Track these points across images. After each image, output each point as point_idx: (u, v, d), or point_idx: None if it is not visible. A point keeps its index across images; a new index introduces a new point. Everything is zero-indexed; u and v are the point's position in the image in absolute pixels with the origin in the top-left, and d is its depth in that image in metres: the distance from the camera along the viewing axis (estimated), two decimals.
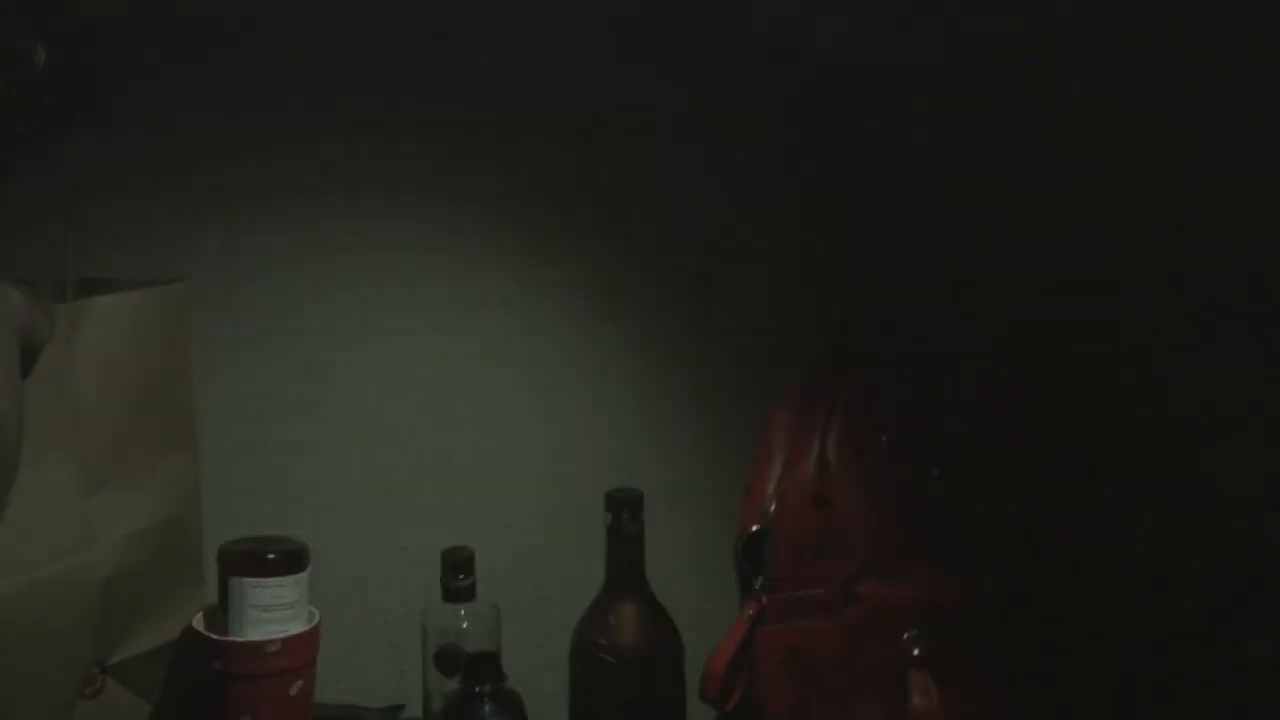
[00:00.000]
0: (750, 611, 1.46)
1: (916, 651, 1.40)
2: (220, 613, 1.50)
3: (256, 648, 1.48)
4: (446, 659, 1.53)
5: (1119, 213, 1.64)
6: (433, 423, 1.80)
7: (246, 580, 1.48)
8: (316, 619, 1.52)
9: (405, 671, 1.80)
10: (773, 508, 1.48)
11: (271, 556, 1.50)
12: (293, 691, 1.50)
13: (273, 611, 1.49)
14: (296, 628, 1.50)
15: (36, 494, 1.40)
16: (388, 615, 1.81)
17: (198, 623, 1.51)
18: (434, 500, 1.80)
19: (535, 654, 1.63)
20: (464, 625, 1.57)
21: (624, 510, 1.55)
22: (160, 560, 1.56)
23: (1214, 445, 1.61)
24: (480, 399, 1.80)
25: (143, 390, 1.54)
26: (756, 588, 1.47)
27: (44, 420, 1.42)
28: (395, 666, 1.83)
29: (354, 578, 1.78)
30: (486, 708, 1.39)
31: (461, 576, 1.55)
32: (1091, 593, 1.43)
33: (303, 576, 1.51)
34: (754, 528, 1.49)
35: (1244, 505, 1.61)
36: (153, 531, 1.54)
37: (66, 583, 1.44)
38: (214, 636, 1.49)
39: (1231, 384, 1.61)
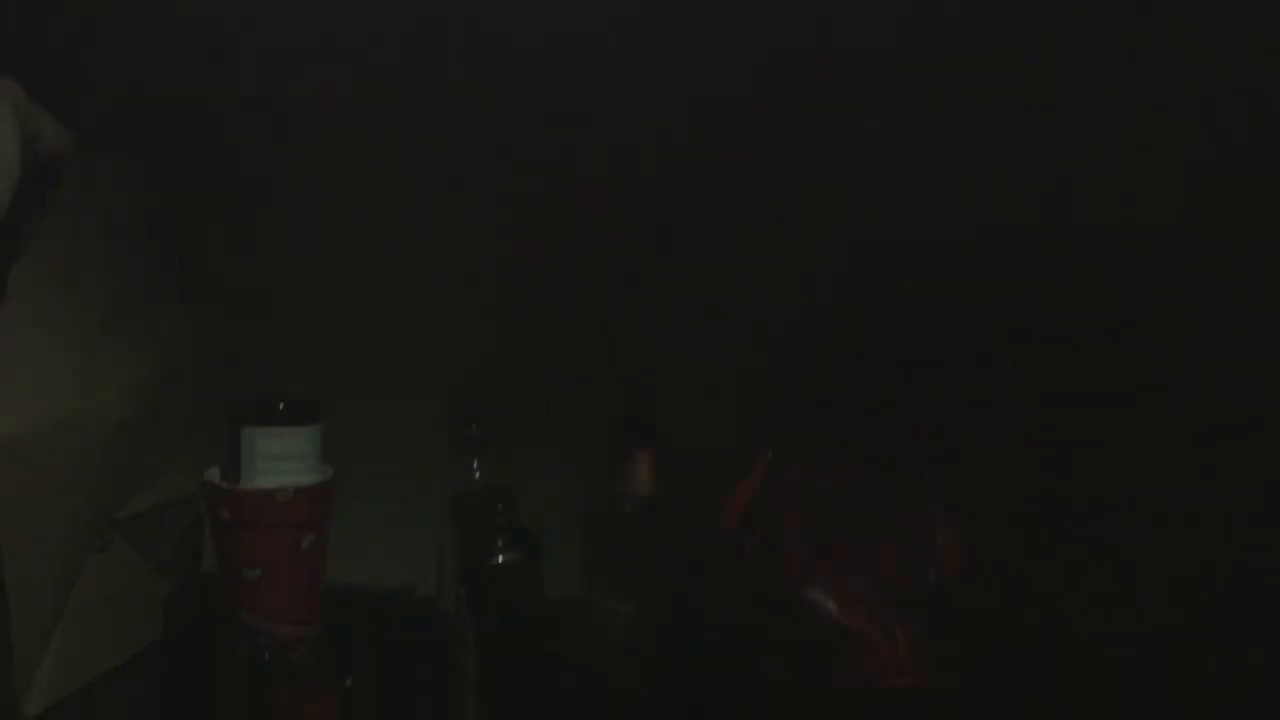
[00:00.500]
0: (768, 454, 1.43)
1: (939, 488, 1.36)
2: (231, 465, 1.47)
3: (267, 496, 1.44)
4: (460, 508, 1.47)
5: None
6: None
7: (257, 430, 1.44)
8: (330, 474, 1.46)
9: (416, 555, 1.77)
10: None
11: (282, 406, 1.47)
12: (304, 545, 1.47)
13: (284, 462, 1.47)
14: (309, 481, 1.45)
15: (51, 328, 1.41)
16: (400, 489, 1.78)
17: (210, 475, 1.47)
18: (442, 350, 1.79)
19: (551, 509, 1.58)
20: (476, 476, 1.52)
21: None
22: (165, 412, 1.56)
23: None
24: None
25: (148, 242, 1.55)
26: (770, 432, 1.44)
27: (57, 256, 1.42)
28: (406, 547, 1.79)
29: (365, 449, 1.72)
30: (501, 542, 1.33)
31: (474, 427, 1.50)
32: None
33: (315, 430, 1.48)
34: None
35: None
36: (157, 381, 1.55)
37: (79, 424, 1.45)
38: (224, 485, 1.44)
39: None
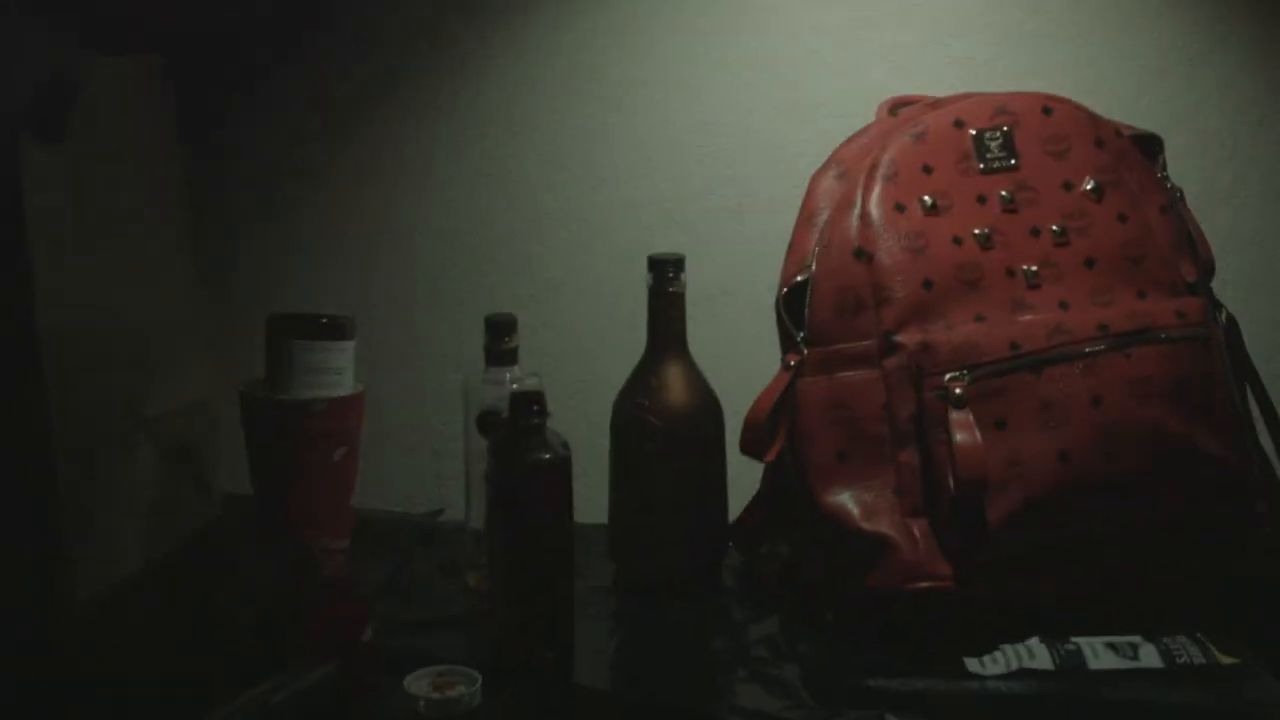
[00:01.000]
0: (791, 363, 1.45)
1: (959, 391, 1.38)
2: (268, 377, 1.50)
3: (301, 406, 1.47)
4: (489, 422, 1.51)
5: None
6: None
7: (296, 342, 1.47)
8: (362, 389, 1.51)
9: (445, 478, 1.81)
10: (814, 262, 1.46)
11: (323, 320, 1.50)
12: (336, 457, 1.49)
13: (319, 375, 1.48)
14: (343, 393, 1.49)
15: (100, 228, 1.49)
16: (427, 414, 1.83)
17: (246, 387, 1.51)
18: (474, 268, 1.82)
19: (578, 421, 1.62)
20: (506, 391, 1.55)
21: (666, 270, 1.53)
22: (196, 317, 1.64)
23: None
24: None
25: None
26: (797, 340, 1.45)
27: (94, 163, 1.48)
28: (435, 473, 1.84)
29: (394, 373, 1.79)
30: (531, 441, 1.37)
31: (505, 340, 1.53)
32: None
33: (349, 345, 1.50)
34: (797, 278, 1.47)
35: None
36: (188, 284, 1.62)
37: (121, 318, 1.52)
38: (259, 395, 1.48)
39: None
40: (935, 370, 1.40)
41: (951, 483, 1.37)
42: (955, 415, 1.38)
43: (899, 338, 1.42)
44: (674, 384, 1.55)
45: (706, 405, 1.56)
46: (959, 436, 1.37)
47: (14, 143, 1.35)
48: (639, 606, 1.56)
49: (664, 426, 1.54)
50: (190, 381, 1.66)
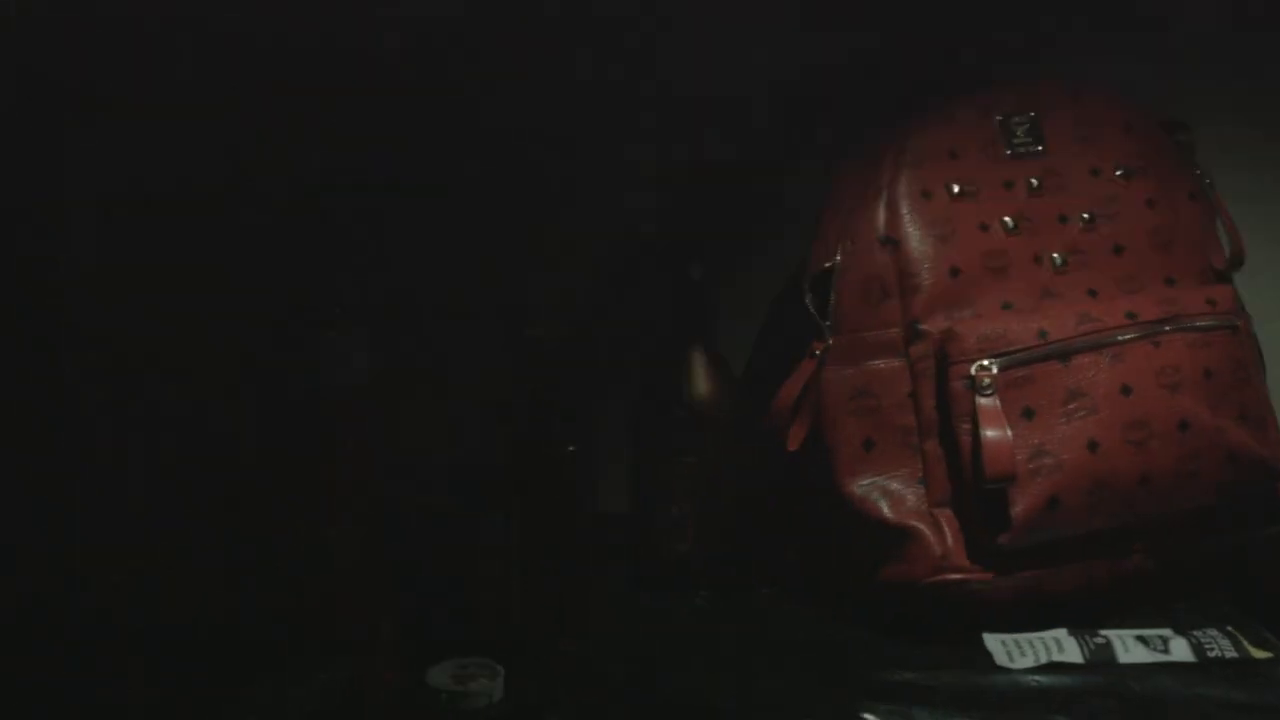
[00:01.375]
0: (816, 351, 1.43)
1: (986, 380, 1.37)
2: None
3: None
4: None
5: None
6: None
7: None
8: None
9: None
10: (840, 250, 1.44)
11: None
12: None
13: None
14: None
15: None
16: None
17: None
18: None
19: (600, 409, 1.60)
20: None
21: (690, 255, 1.52)
22: None
23: None
24: None
25: None
26: (823, 327, 1.44)
27: None
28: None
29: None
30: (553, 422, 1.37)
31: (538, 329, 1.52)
32: None
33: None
34: (824, 265, 1.45)
35: None
36: None
37: None
38: None
39: None
40: (962, 359, 1.38)
41: (977, 474, 1.36)
42: (983, 404, 1.36)
43: (925, 326, 1.41)
44: (698, 371, 1.53)
45: (731, 393, 1.54)
46: (986, 427, 1.35)
47: None
48: (659, 597, 1.54)
49: (688, 415, 1.52)
50: None
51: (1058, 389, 1.38)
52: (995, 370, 1.37)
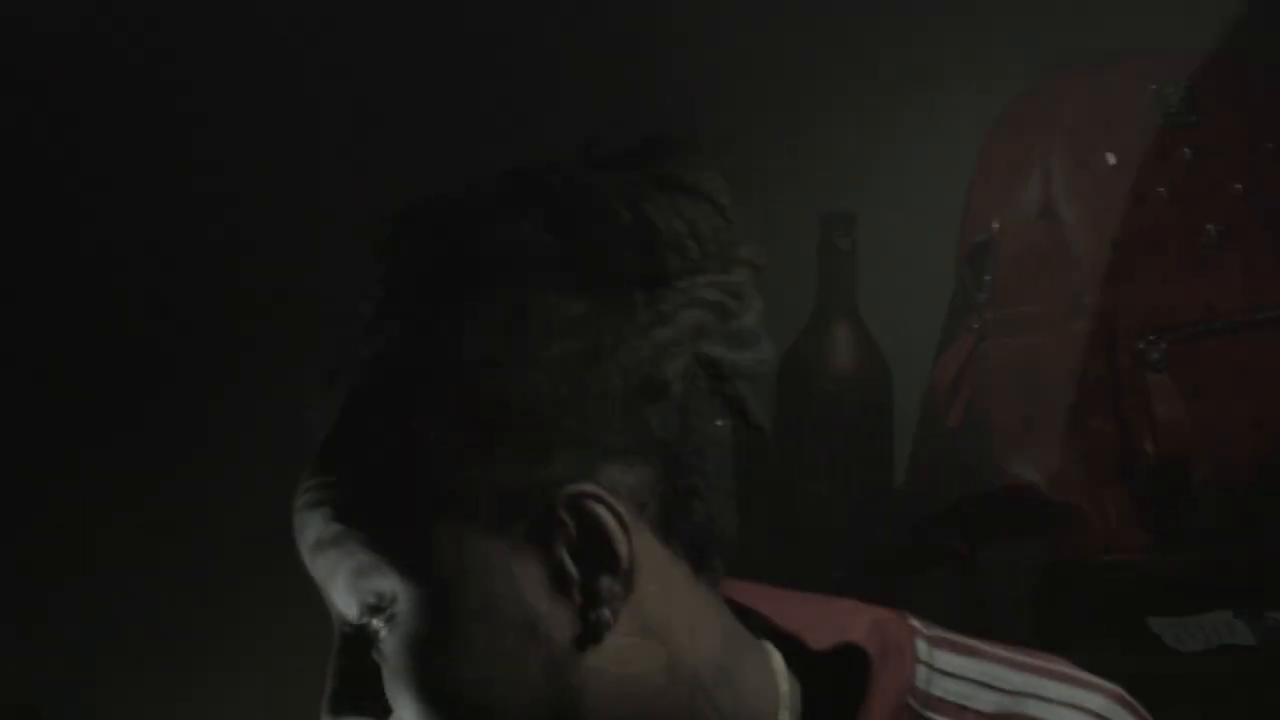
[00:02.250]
0: (974, 325, 1.40)
1: (1156, 356, 1.34)
2: None
3: None
4: None
5: None
6: None
7: None
8: None
9: None
10: (996, 223, 1.41)
11: None
12: None
13: None
14: None
15: None
16: None
17: None
18: None
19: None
20: None
21: (836, 228, 1.48)
22: None
23: None
24: None
25: None
26: (980, 301, 1.41)
27: None
28: None
29: None
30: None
31: None
32: None
33: None
34: (976, 239, 1.43)
35: None
36: None
37: None
38: None
39: None
40: (1129, 334, 1.35)
41: (1152, 452, 1.33)
42: (1154, 380, 1.34)
43: (1087, 300, 1.38)
44: (842, 345, 1.50)
45: (875, 368, 1.51)
46: (1159, 405, 1.33)
47: None
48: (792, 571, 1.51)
49: (831, 389, 1.49)
50: None
51: (1225, 365, 1.36)
52: (1165, 346, 1.35)
